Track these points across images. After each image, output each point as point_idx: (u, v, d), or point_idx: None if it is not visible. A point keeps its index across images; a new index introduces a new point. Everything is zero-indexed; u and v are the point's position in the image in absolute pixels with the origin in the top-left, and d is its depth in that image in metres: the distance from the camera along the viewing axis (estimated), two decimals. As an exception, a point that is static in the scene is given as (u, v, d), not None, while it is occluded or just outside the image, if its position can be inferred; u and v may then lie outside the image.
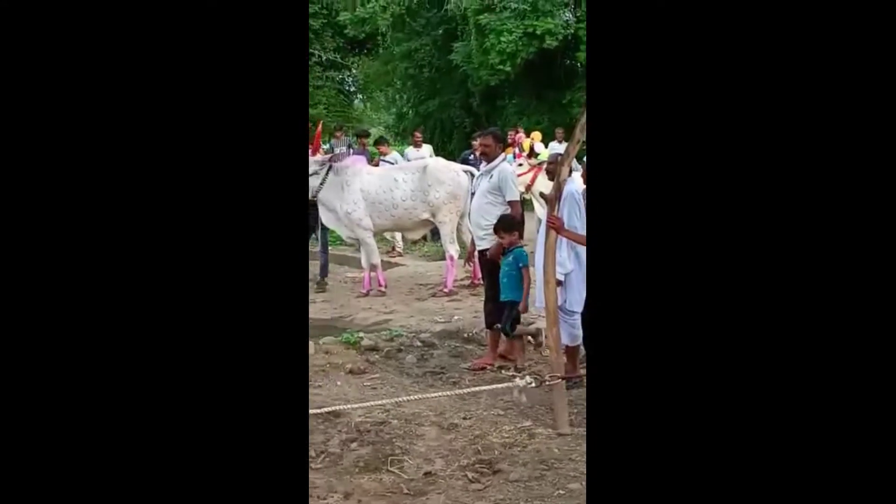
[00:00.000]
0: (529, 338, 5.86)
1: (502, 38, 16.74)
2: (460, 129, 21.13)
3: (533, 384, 4.38)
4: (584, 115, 4.61)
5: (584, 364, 5.60)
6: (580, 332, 5.41)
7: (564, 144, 8.58)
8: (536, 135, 12.95)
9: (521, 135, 12.44)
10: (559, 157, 5.24)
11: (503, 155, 6.24)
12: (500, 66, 17.07)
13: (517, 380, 4.45)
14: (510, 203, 5.92)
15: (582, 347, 5.59)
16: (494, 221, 5.73)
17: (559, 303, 4.73)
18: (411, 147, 12.96)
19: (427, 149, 12.52)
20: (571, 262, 5.25)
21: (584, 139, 4.70)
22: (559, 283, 4.82)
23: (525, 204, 10.54)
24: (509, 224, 5.57)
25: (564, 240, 4.93)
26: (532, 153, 10.88)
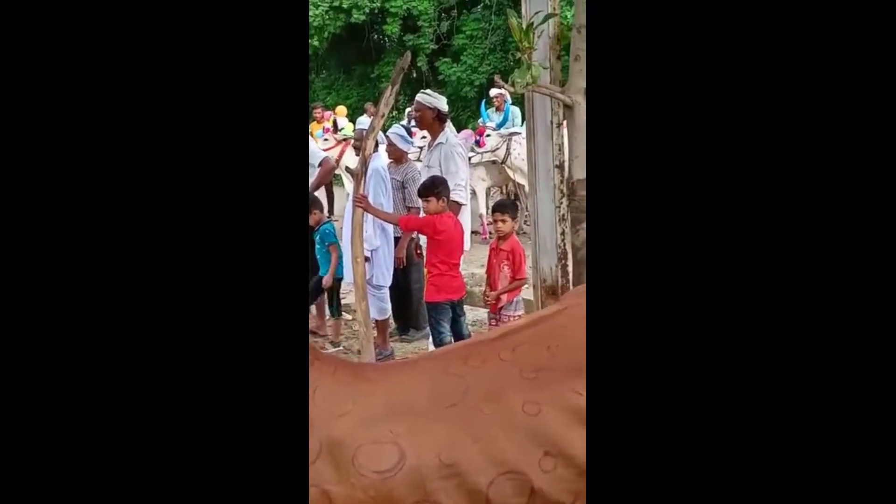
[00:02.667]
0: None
1: (309, 12, 16.48)
2: (268, 103, 20.59)
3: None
4: (388, 89, 4.62)
5: (394, 336, 5.69)
6: (388, 306, 5.47)
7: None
8: (341, 109, 12.89)
9: (328, 112, 12.32)
10: (364, 132, 5.23)
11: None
12: (308, 41, 16.81)
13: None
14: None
15: (391, 321, 5.65)
16: (301, 197, 5.64)
17: (367, 278, 4.74)
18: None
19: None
20: (378, 238, 5.28)
21: (388, 112, 4.72)
22: (367, 258, 4.82)
23: (335, 179, 10.49)
24: None
25: (371, 215, 4.95)
26: (335, 128, 10.85)
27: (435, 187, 4.62)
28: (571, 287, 3.82)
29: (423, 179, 4.99)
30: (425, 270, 4.71)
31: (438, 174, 4.93)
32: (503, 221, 4.55)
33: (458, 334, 4.64)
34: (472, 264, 6.96)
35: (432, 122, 5.30)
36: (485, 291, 4.68)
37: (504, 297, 4.53)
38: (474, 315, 5.60)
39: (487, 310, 4.74)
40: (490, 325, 4.67)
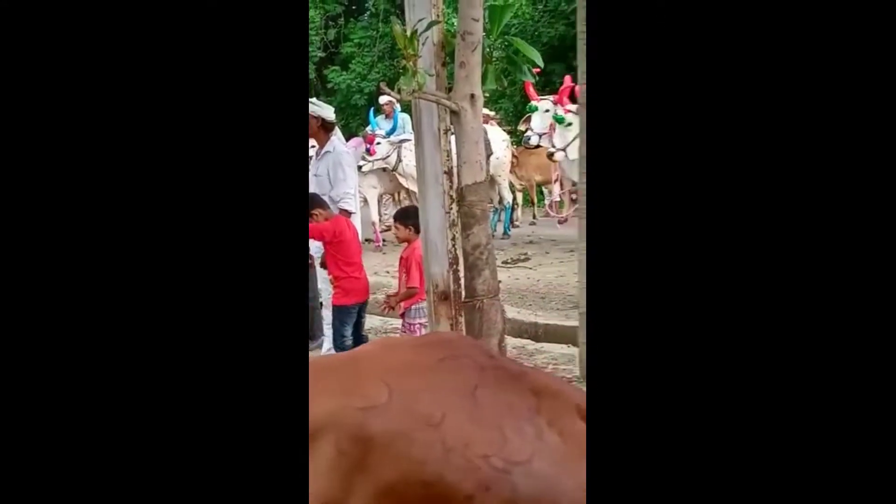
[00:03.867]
0: None
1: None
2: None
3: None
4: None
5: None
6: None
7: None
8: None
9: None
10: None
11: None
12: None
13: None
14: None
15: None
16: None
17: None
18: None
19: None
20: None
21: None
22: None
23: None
24: None
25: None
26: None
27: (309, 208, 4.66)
28: (463, 292, 3.85)
29: (310, 189, 4.96)
30: (330, 279, 4.70)
31: (326, 183, 4.93)
32: (397, 228, 4.62)
33: (359, 338, 4.64)
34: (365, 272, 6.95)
35: (318, 130, 5.29)
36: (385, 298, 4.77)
37: (402, 305, 4.56)
38: (368, 322, 5.60)
39: (380, 316, 4.78)
40: (401, 332, 4.72)
